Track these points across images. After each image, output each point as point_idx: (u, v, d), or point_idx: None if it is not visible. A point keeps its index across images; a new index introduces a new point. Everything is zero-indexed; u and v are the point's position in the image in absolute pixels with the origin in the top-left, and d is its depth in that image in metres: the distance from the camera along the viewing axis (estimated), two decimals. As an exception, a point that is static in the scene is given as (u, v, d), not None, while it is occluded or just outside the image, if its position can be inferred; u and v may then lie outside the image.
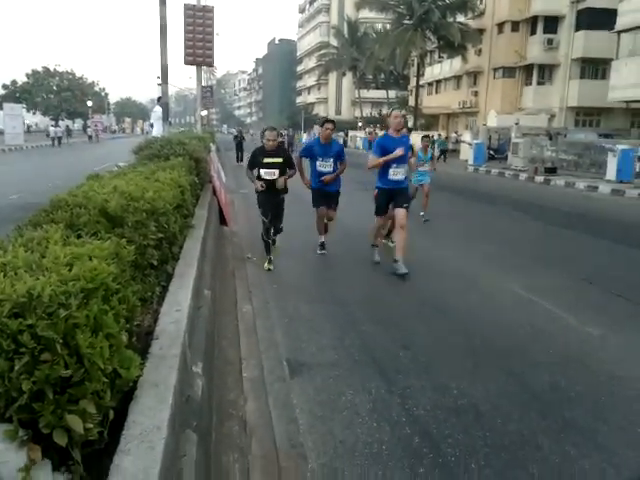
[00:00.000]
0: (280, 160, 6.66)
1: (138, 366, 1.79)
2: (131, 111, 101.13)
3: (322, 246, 7.61)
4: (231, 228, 8.71)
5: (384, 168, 6.65)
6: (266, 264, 6.69)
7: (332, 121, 7.60)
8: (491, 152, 28.02)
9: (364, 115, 57.85)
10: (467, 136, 30.25)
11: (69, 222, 2.55)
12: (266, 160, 6.62)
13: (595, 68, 32.86)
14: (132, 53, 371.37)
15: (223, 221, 8.24)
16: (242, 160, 22.59)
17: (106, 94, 75.20)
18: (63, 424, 1.41)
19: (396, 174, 6.62)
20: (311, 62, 77.19)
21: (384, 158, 6.51)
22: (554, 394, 3.62)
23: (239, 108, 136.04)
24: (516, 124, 25.23)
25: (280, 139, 6.68)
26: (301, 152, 7.71)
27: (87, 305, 1.63)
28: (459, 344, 4.47)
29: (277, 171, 6.60)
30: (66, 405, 1.43)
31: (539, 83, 35.07)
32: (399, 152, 6.43)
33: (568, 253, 8.14)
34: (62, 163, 23.06)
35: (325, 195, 7.39)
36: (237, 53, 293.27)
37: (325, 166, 7.24)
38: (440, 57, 44.37)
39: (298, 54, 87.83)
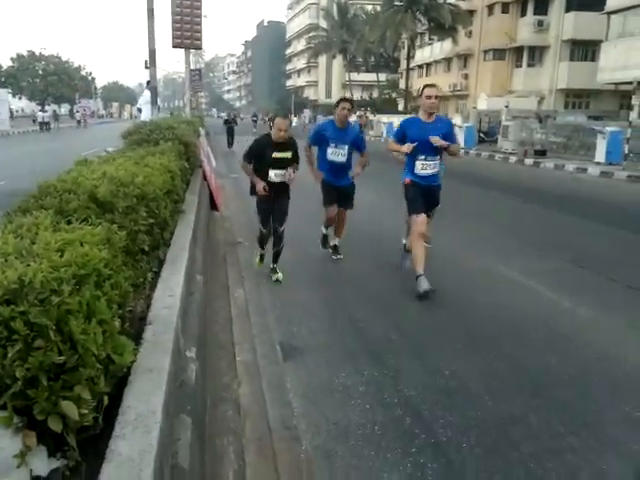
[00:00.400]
0: (290, 155, 5.35)
1: (132, 352, 1.79)
2: (118, 95, 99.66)
3: (324, 241, 6.61)
4: (222, 213, 8.68)
5: (410, 158, 5.34)
6: (257, 259, 5.93)
7: (349, 100, 6.22)
8: (481, 135, 28.01)
9: (355, 98, 57.47)
10: (457, 119, 30.16)
11: (58, 208, 2.52)
12: (276, 155, 5.24)
13: (585, 50, 32.86)
14: (119, 37, 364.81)
15: (214, 206, 8.21)
16: (233, 145, 22.33)
17: (93, 78, 74.16)
18: (58, 410, 1.41)
19: (424, 168, 5.27)
20: (300, 45, 76.44)
21: (394, 147, 5.48)
22: (545, 375, 3.67)
23: (228, 92, 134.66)
24: (506, 107, 25.18)
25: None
26: (311, 139, 6.30)
27: (79, 291, 1.62)
28: (451, 326, 4.51)
29: (287, 171, 5.33)
30: (60, 391, 1.43)
31: (529, 65, 35.02)
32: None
33: (559, 235, 8.19)
34: (50, 148, 22.77)
35: (335, 190, 6.18)
36: (226, 36, 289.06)
37: (338, 154, 5.99)
38: (430, 39, 44.13)
39: (287, 36, 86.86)
